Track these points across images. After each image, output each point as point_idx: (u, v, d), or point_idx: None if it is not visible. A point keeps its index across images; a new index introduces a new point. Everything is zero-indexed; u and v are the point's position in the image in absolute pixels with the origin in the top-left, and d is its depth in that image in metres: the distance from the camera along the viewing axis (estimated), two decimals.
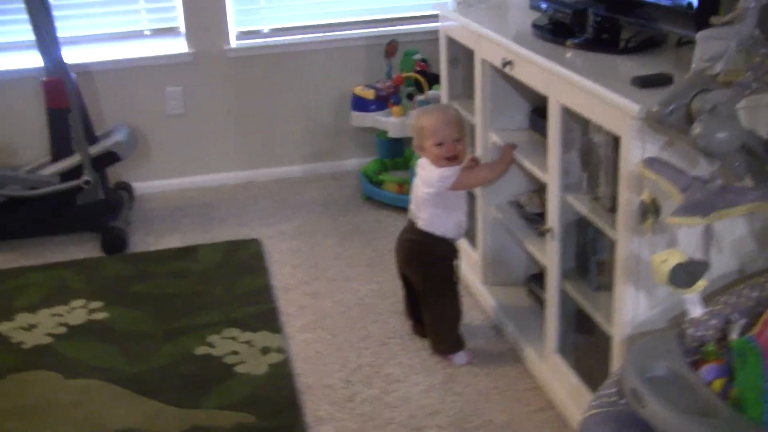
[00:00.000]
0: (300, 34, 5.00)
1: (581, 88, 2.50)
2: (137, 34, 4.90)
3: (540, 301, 3.21)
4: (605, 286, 2.70)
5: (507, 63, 3.04)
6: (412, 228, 3.28)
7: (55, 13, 4.28)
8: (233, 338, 3.47)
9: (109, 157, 4.40)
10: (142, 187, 4.97)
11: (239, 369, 3.27)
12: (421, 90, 4.60)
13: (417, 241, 3.26)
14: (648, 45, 2.78)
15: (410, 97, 4.60)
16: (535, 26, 3.10)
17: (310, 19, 5.02)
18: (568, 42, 2.86)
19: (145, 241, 4.40)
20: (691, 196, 1.88)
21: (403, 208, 3.29)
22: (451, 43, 3.68)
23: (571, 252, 2.92)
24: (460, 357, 3.27)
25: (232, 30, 4.91)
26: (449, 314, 3.30)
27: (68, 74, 4.27)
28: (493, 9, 3.62)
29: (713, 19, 2.05)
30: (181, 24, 4.86)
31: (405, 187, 4.48)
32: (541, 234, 2.99)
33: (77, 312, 3.71)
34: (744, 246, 2.36)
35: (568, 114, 2.70)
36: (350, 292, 3.81)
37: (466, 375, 3.20)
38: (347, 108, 4.81)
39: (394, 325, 3.53)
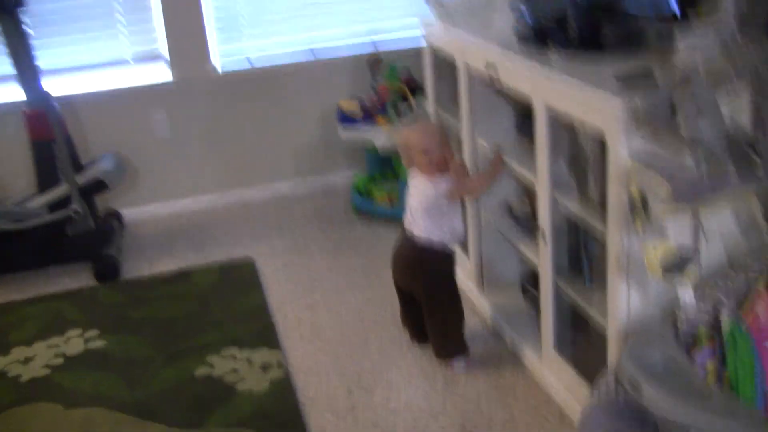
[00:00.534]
0: (283, 51, 5.03)
1: (566, 87, 2.53)
2: (120, 62, 4.91)
3: (535, 301, 3.23)
4: (599, 282, 2.73)
5: (491, 68, 3.06)
6: (407, 239, 3.29)
7: (37, 43, 4.31)
8: (233, 357, 3.48)
9: (97, 186, 4.40)
10: (132, 213, 4.98)
11: (240, 387, 3.29)
12: (406, 101, 4.62)
13: (414, 251, 3.27)
14: (630, 43, 2.78)
15: (396, 108, 4.63)
16: (518, 30, 3.12)
17: (292, 40, 5.06)
18: (551, 44, 2.89)
19: (138, 267, 4.41)
20: (677, 185, 1.91)
21: (394, 220, 3.32)
22: (435, 52, 3.71)
23: (564, 251, 2.95)
24: (459, 365, 3.29)
25: (215, 51, 4.93)
26: (453, 319, 3.32)
27: (51, 105, 4.27)
28: (476, 16, 3.64)
29: (693, 15, 2.08)
30: (164, 50, 4.88)
31: (395, 198, 4.51)
32: (534, 235, 3.01)
33: (74, 342, 3.71)
34: (730, 235, 2.39)
35: (554, 115, 2.73)
36: (345, 304, 3.84)
37: (466, 377, 3.23)
38: (334, 124, 4.84)
39: (392, 333, 3.56)
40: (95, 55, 4.87)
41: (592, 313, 2.71)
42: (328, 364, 3.40)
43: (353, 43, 5.08)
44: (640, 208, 2.09)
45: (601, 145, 2.47)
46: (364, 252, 4.31)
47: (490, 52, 3.06)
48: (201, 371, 3.41)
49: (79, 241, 4.38)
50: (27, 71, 4.23)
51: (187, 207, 5.08)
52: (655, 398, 1.82)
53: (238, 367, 3.41)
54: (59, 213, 4.31)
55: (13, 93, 4.46)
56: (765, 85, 2.01)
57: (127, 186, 4.92)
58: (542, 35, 2.95)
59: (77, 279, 4.32)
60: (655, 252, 1.89)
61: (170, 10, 4.77)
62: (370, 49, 4.96)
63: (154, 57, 4.94)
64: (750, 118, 2.08)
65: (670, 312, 2.18)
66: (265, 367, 3.39)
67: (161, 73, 4.90)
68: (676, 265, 1.88)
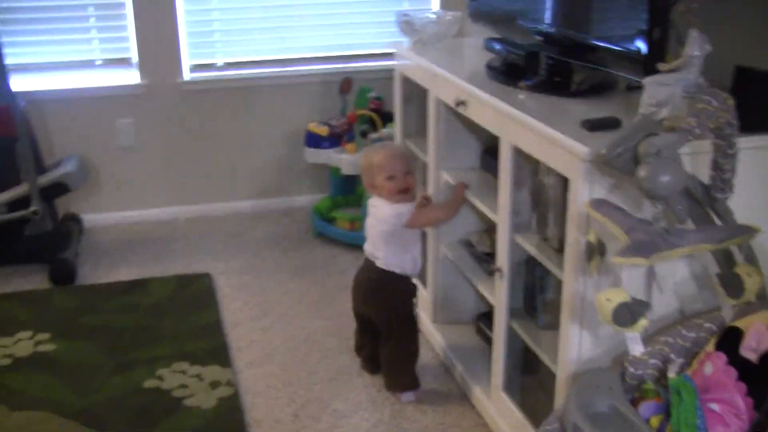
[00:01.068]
0: (255, 68, 5.02)
1: (532, 129, 2.54)
2: (89, 64, 4.87)
3: (488, 340, 3.24)
4: (552, 325, 2.74)
5: (460, 103, 3.07)
6: (370, 266, 3.28)
7: (5, 39, 4.28)
8: (182, 372, 3.46)
9: (59, 188, 4.37)
10: (91, 219, 4.94)
11: (188, 402, 3.26)
12: (374, 128, 4.63)
13: (376, 279, 3.27)
14: (598, 89, 2.83)
15: (364, 134, 4.63)
16: (489, 67, 3.15)
17: (265, 54, 5.04)
18: (521, 83, 2.91)
19: (94, 273, 4.37)
20: (635, 238, 1.92)
21: (354, 246, 3.31)
22: (406, 81, 3.72)
23: (520, 291, 2.95)
24: (408, 394, 3.28)
25: (186, 62, 4.91)
26: (407, 353, 3.32)
27: (16, 102, 4.23)
28: (448, 49, 3.67)
29: (660, 66, 2.10)
30: (133, 55, 4.85)
31: (357, 224, 4.50)
32: (491, 273, 3.02)
33: (23, 344, 3.67)
34: (684, 288, 2.41)
35: (519, 155, 2.74)
36: (300, 328, 3.82)
37: (413, 411, 3.22)
38: (300, 144, 4.84)
39: (343, 361, 3.55)
40: (64, 56, 4.83)
41: (543, 356, 2.71)
42: (277, 388, 3.38)
43: (326, 65, 5.06)
44: (596, 255, 2.10)
45: (564, 189, 2.48)
46: (322, 277, 4.29)
47: (460, 87, 3.06)
48: (149, 383, 3.38)
49: (36, 242, 4.35)
50: None
51: (147, 217, 5.04)
52: None
53: (187, 383, 3.38)
54: (18, 212, 4.26)
55: None
56: (726, 141, 2.03)
57: (88, 191, 4.88)
58: (513, 75, 2.98)
59: (31, 281, 4.28)
60: (608, 303, 1.90)
61: (144, 17, 4.75)
62: (342, 71, 4.96)
63: (124, 62, 4.90)
64: (710, 175, 2.10)
65: (620, 361, 2.19)
66: (214, 385, 3.37)
67: (130, 79, 4.87)
68: (627, 319, 1.89)
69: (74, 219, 4.79)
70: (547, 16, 2.99)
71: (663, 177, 1.84)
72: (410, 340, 3.31)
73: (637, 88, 2.18)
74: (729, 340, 2.01)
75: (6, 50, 4.25)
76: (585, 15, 2.86)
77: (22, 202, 4.28)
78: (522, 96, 2.84)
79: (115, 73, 4.89)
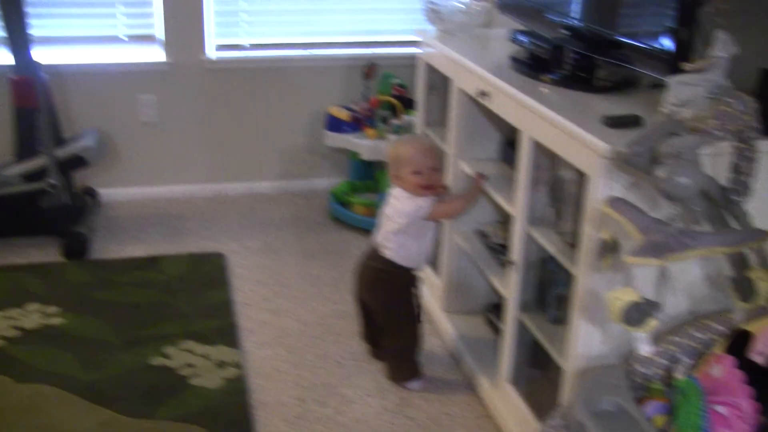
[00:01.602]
0: (280, 50, 5.01)
1: (552, 123, 2.52)
2: (114, 39, 4.86)
3: (497, 331, 3.23)
4: (562, 319, 2.72)
5: (482, 94, 3.06)
6: (375, 255, 3.27)
7: (31, 11, 4.27)
8: (190, 351, 3.46)
9: (76, 162, 4.37)
10: (108, 193, 4.95)
11: (194, 381, 3.26)
12: (396, 114, 4.62)
13: (379, 269, 3.25)
14: (622, 85, 2.81)
15: (385, 120, 4.62)
16: (513, 59, 3.13)
17: (290, 36, 5.03)
18: (544, 77, 2.89)
19: (108, 248, 4.38)
20: (650, 238, 1.90)
21: (369, 231, 3.31)
22: (430, 69, 3.70)
23: (532, 284, 2.94)
24: (414, 383, 3.27)
25: (211, 41, 4.90)
26: (408, 344, 3.31)
27: (38, 74, 4.24)
28: (474, 40, 3.65)
29: (685, 65, 2.08)
30: (159, 32, 4.85)
31: (373, 210, 4.49)
32: (504, 265, 3.00)
33: (32, 316, 3.68)
34: (696, 289, 2.39)
35: (539, 148, 2.72)
36: (311, 311, 3.82)
37: (419, 400, 3.21)
38: (321, 127, 4.82)
39: (352, 346, 3.54)
40: (90, 30, 4.83)
41: (551, 350, 2.70)
42: (284, 371, 3.37)
43: (351, 49, 5.05)
44: (609, 253, 2.09)
45: (582, 185, 2.46)
46: (337, 262, 4.29)
47: (483, 78, 3.04)
48: (156, 361, 3.39)
49: (51, 214, 4.34)
50: (18, 37, 4.19)
51: (164, 194, 5.05)
52: None
53: (194, 362, 3.38)
54: (35, 184, 4.27)
55: (1, 58, 4.42)
56: (746, 145, 2.01)
57: (106, 165, 4.88)
58: (537, 68, 2.96)
59: (44, 253, 4.28)
60: (617, 302, 1.88)
61: None
62: (367, 57, 4.94)
63: (149, 39, 4.90)
64: (728, 178, 2.08)
65: (628, 359, 2.17)
66: (221, 365, 3.37)
67: (154, 56, 4.86)
68: (637, 318, 1.87)
69: (91, 193, 4.80)
70: (575, 10, 2.98)
71: (681, 178, 1.82)
72: (411, 332, 3.29)
73: (661, 86, 2.15)
74: (738, 343, 1.99)
75: (31, 22, 4.24)
76: (612, 11, 2.84)
77: (39, 174, 4.28)
78: (545, 89, 2.82)
79: (140, 49, 4.89)
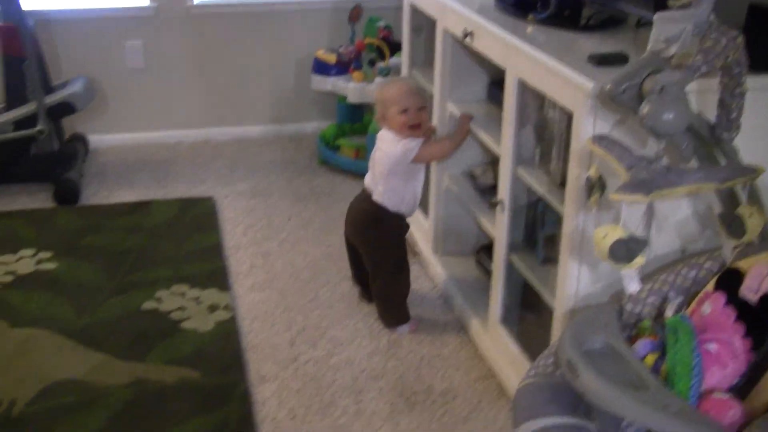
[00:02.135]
0: None
1: (538, 62, 2.52)
2: None
3: (488, 273, 3.24)
4: (551, 260, 2.74)
5: (468, 34, 3.04)
6: (366, 198, 3.28)
7: None
8: (181, 294, 3.47)
9: (65, 108, 4.35)
10: (97, 140, 4.93)
11: (186, 325, 3.28)
12: (382, 57, 4.60)
13: (369, 212, 3.26)
14: (608, 24, 2.80)
15: (372, 63, 4.60)
16: (499, 0, 3.11)
17: None
18: (530, 16, 2.88)
19: (98, 194, 4.38)
20: (636, 175, 1.90)
21: (358, 174, 3.31)
22: (415, 11, 3.68)
23: (521, 225, 2.95)
24: (402, 327, 3.29)
25: None
26: (397, 289, 3.32)
27: (25, 21, 4.20)
28: None
29: (671, 2, 2.07)
30: None
31: (362, 152, 4.49)
32: (492, 206, 3.01)
33: (25, 261, 3.69)
34: (686, 227, 2.40)
35: (525, 88, 2.72)
36: (301, 255, 3.83)
37: (410, 341, 3.23)
38: (309, 71, 4.80)
39: (343, 288, 3.56)
40: None
41: (541, 290, 2.72)
42: (275, 314, 3.39)
43: None
44: (596, 191, 2.09)
45: (568, 124, 2.46)
46: (326, 205, 4.29)
47: (468, 18, 3.03)
48: (148, 305, 3.40)
49: (41, 161, 4.35)
50: None
51: (153, 140, 5.03)
52: (591, 384, 1.82)
53: (185, 305, 3.40)
54: (24, 131, 4.26)
55: None
56: (734, 80, 2.01)
57: (95, 111, 4.86)
58: (523, 7, 2.94)
59: (36, 199, 4.29)
60: (604, 240, 1.89)
61: None
62: (353, 1, 4.91)
63: None
64: (717, 114, 2.08)
65: (618, 298, 2.18)
66: (212, 309, 3.38)
67: (139, 1, 4.83)
68: (623, 255, 1.88)
69: (80, 139, 4.79)
70: None
71: (666, 114, 1.82)
72: (398, 277, 3.31)
73: (648, 24, 2.14)
74: (729, 280, 1.99)
75: None
76: None
77: (28, 121, 4.26)
78: (530, 29, 2.81)
79: None
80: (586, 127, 2.26)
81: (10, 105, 4.30)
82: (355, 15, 4.80)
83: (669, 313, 1.96)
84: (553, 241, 2.72)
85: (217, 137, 5.11)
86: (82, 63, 4.79)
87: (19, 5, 4.20)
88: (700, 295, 2.02)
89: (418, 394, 2.95)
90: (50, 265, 3.66)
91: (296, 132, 5.18)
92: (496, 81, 3.26)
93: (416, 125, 3.15)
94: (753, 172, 1.98)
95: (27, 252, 3.76)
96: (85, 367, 3.05)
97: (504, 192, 2.87)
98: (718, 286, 2.00)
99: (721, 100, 2.06)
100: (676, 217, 2.38)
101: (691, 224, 2.41)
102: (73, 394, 2.91)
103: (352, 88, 4.53)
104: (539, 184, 2.70)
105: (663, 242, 2.38)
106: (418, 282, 3.53)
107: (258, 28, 4.97)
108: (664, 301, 2.08)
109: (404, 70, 3.87)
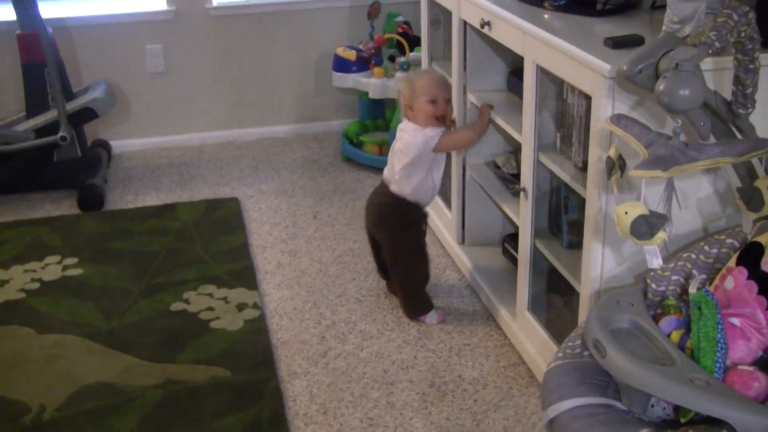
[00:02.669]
0: None
1: (555, 48, 2.52)
2: None
3: (514, 261, 3.24)
4: (576, 244, 2.74)
5: (485, 23, 3.05)
6: (383, 190, 3.30)
7: None
8: (209, 295, 3.49)
9: (87, 114, 4.37)
10: (121, 145, 4.97)
11: (215, 325, 3.30)
12: (402, 52, 4.61)
13: (387, 204, 3.28)
14: (624, 8, 2.80)
15: (392, 59, 4.61)
16: None
17: None
18: (546, 3, 2.88)
19: (123, 199, 4.41)
20: (655, 151, 1.90)
21: (382, 170, 3.33)
22: (433, 4, 3.69)
23: (545, 211, 2.95)
24: (431, 317, 3.30)
25: None
26: (416, 278, 3.33)
27: (44, 28, 4.22)
28: None
29: None
30: None
31: (385, 148, 4.50)
32: (516, 194, 3.01)
33: (51, 268, 3.71)
34: (708, 205, 2.41)
35: (544, 74, 2.72)
36: (328, 251, 3.84)
37: (439, 332, 3.24)
38: (329, 69, 4.81)
39: (371, 283, 3.57)
40: None
41: (567, 275, 2.72)
42: (304, 310, 3.41)
43: None
44: (617, 171, 2.09)
45: (588, 108, 2.46)
46: (351, 201, 4.31)
47: (485, 7, 3.03)
48: (176, 306, 3.42)
49: (64, 168, 4.38)
50: None
51: (176, 143, 5.06)
52: (618, 362, 1.83)
53: (213, 305, 3.42)
54: (46, 138, 4.28)
55: (8, 13, 4.42)
56: (747, 57, 2.01)
57: (117, 117, 4.90)
58: None
59: (60, 206, 4.32)
60: (626, 216, 1.89)
61: None
62: None
63: None
64: (732, 91, 2.08)
65: (643, 279, 2.19)
66: (241, 307, 3.40)
67: (158, 5, 4.85)
68: (645, 231, 1.88)
69: (103, 145, 4.82)
70: None
71: (682, 90, 1.82)
72: (418, 267, 3.32)
73: (663, 6, 2.15)
74: (750, 255, 2.00)
75: None
76: None
77: (50, 128, 4.28)
78: (547, 16, 2.81)
79: None
80: (605, 109, 2.27)
81: (32, 112, 4.34)
82: (373, 11, 4.81)
83: (692, 290, 1.96)
84: (577, 226, 2.72)
85: (241, 138, 5.13)
86: (102, 68, 4.82)
87: (38, 12, 4.23)
88: (723, 270, 2.02)
89: (449, 383, 2.96)
90: (76, 271, 3.69)
91: (319, 130, 5.20)
92: (515, 70, 3.27)
93: (442, 117, 3.17)
94: None
95: (53, 259, 3.79)
96: (115, 370, 3.07)
97: (527, 179, 2.88)
98: (740, 261, 2.00)
99: (736, 76, 2.06)
100: (697, 195, 2.39)
101: (712, 203, 2.41)
102: (104, 398, 2.94)
103: (373, 84, 4.54)
104: (561, 170, 2.70)
105: (685, 222, 2.38)
106: (444, 274, 3.54)
107: (277, 28, 4.99)
108: (688, 278, 2.09)
109: (424, 64, 3.88)
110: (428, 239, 3.40)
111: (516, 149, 3.27)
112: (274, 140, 5.12)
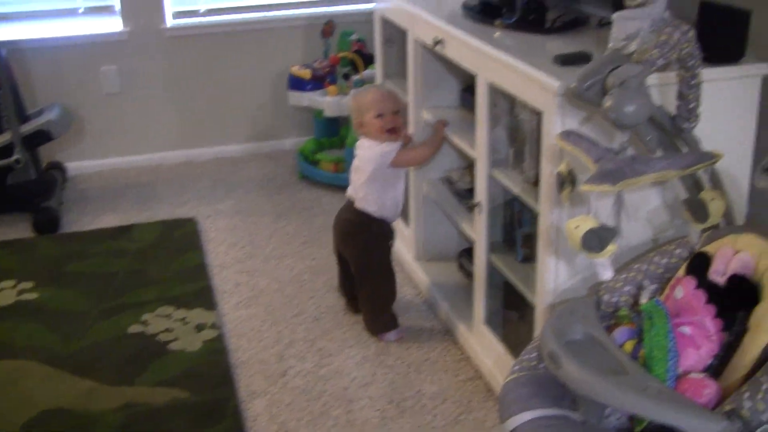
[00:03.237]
0: (237, 13, 5.01)
1: (506, 66, 2.57)
2: (71, 12, 4.87)
3: (470, 276, 3.27)
4: (530, 258, 2.78)
5: (438, 42, 3.08)
6: (349, 207, 3.32)
7: None
8: (168, 316, 3.49)
9: (41, 136, 4.34)
10: (76, 167, 4.95)
11: (173, 346, 3.30)
12: (357, 70, 4.64)
13: (353, 221, 3.31)
14: (572, 26, 2.86)
15: (346, 77, 4.64)
16: (466, 7, 3.16)
17: (247, 7, 5.04)
18: (497, 22, 2.93)
19: (79, 221, 4.39)
20: (603, 166, 1.95)
21: (338, 187, 3.34)
22: (386, 23, 3.72)
23: (499, 226, 2.99)
24: (390, 334, 3.32)
25: (168, 9, 4.90)
26: (383, 295, 3.36)
27: None
28: None
29: (628, 1, 2.13)
30: (116, 2, 4.84)
31: (341, 165, 4.52)
32: (470, 209, 3.05)
33: (6, 293, 3.68)
34: (657, 216, 2.46)
35: (496, 91, 2.76)
36: (286, 269, 3.85)
37: (397, 348, 3.26)
38: (285, 88, 4.83)
39: (329, 300, 3.58)
40: (47, 4, 4.83)
41: (522, 288, 2.75)
42: (262, 329, 3.41)
43: (308, 9, 5.06)
44: (567, 185, 2.14)
45: (539, 123, 2.50)
46: (307, 219, 4.32)
47: (437, 26, 3.07)
48: (135, 328, 3.41)
49: (19, 191, 4.34)
50: None
51: (132, 164, 5.06)
52: (573, 373, 1.86)
53: (172, 326, 3.42)
54: (0, 161, 4.25)
55: None
56: (689, 73, 2.06)
57: (73, 138, 4.89)
58: (489, 14, 2.99)
59: (15, 229, 4.29)
60: (576, 230, 1.93)
61: None
62: (324, 15, 4.95)
63: (106, 9, 4.89)
64: (676, 106, 2.13)
65: (595, 290, 2.22)
66: (199, 328, 3.40)
67: (113, 26, 4.85)
68: (596, 244, 1.92)
69: (58, 167, 4.80)
70: None
71: (628, 106, 1.87)
72: (385, 284, 3.35)
73: (609, 24, 2.21)
74: (698, 264, 2.04)
75: None
76: None
77: (4, 151, 4.26)
78: (498, 34, 2.85)
79: (98, 20, 4.88)
80: (556, 125, 2.31)
81: None
82: (328, 30, 4.84)
83: (644, 300, 2.01)
84: (531, 240, 2.76)
85: (197, 158, 5.13)
86: (57, 90, 4.81)
87: None
88: (672, 281, 2.06)
89: (408, 399, 2.98)
90: (33, 295, 3.67)
91: (275, 148, 5.22)
92: (468, 87, 3.31)
93: (393, 129, 3.20)
94: (713, 157, 2.04)
95: (8, 283, 3.75)
96: (74, 394, 3.05)
97: (481, 194, 2.91)
98: (689, 271, 2.04)
99: (679, 91, 2.12)
100: (647, 207, 2.44)
101: (661, 214, 2.46)
102: (63, 423, 2.92)
103: (328, 102, 4.57)
104: (514, 184, 2.74)
105: (635, 233, 2.43)
106: (402, 290, 3.55)
107: (232, 47, 5.00)
108: (639, 289, 2.13)
109: (378, 82, 3.91)
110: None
111: (470, 165, 3.31)
112: (230, 159, 5.13)
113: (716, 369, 1.91)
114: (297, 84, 4.71)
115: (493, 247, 2.97)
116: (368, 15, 4.25)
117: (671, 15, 2.05)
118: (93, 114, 4.94)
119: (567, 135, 2.12)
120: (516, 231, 2.89)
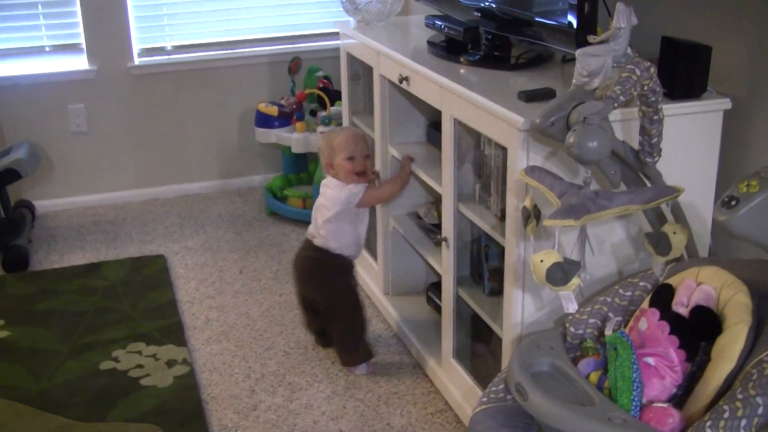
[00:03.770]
0: (203, 51, 5.05)
1: (471, 102, 2.62)
2: (37, 51, 4.87)
3: (438, 309, 3.31)
4: (497, 291, 2.82)
5: (404, 79, 3.14)
6: (309, 245, 3.36)
7: None
8: (138, 352, 3.50)
9: (9, 175, 4.34)
10: (44, 205, 4.96)
11: (145, 382, 3.31)
12: (323, 106, 4.68)
13: (313, 258, 3.34)
14: (537, 62, 2.92)
15: (313, 113, 4.68)
16: (431, 44, 3.21)
17: (213, 36, 5.07)
18: (462, 59, 2.98)
19: (48, 259, 4.40)
20: (567, 201, 2.00)
21: (306, 223, 3.39)
22: (352, 60, 3.77)
23: (466, 260, 3.03)
24: (361, 367, 3.35)
25: (135, 47, 4.93)
26: (355, 326, 3.38)
27: None
28: (392, 27, 3.73)
29: (590, 38, 2.18)
30: (82, 40, 4.86)
31: (309, 202, 4.56)
32: (438, 243, 3.09)
33: None
34: (621, 249, 2.51)
35: (461, 127, 2.81)
36: (255, 305, 3.88)
37: (367, 382, 3.29)
38: (252, 125, 4.87)
39: (299, 335, 3.61)
40: (12, 43, 4.83)
41: (489, 321, 2.79)
42: (233, 364, 3.43)
43: (274, 46, 5.10)
44: (532, 220, 2.18)
45: (504, 159, 2.55)
46: (276, 254, 4.35)
47: (403, 63, 3.12)
48: (106, 365, 3.42)
49: None
50: None
51: (101, 202, 5.06)
52: (539, 404, 1.90)
53: (143, 363, 3.43)
54: None
55: None
56: (651, 108, 2.12)
57: (41, 177, 4.89)
58: (454, 50, 3.04)
59: None
60: (541, 264, 1.97)
61: (92, 2, 4.75)
62: (290, 52, 5.00)
63: (73, 48, 4.90)
64: (639, 141, 2.19)
65: (561, 323, 2.27)
66: (170, 364, 3.41)
67: (79, 65, 4.87)
68: (560, 277, 1.96)
69: (26, 206, 4.79)
70: None
71: (590, 143, 1.92)
72: (355, 316, 3.37)
73: (572, 60, 2.26)
74: (662, 296, 2.09)
75: None
76: None
77: None
78: (463, 71, 2.91)
79: (65, 59, 4.89)
80: (521, 160, 2.36)
81: None
82: (294, 67, 4.89)
83: (608, 331, 2.05)
84: (498, 273, 2.80)
85: (165, 195, 5.15)
86: (25, 129, 4.82)
87: None
88: (637, 312, 2.10)
89: None
90: (3, 333, 3.66)
91: (243, 185, 5.25)
92: (434, 123, 3.36)
93: (362, 172, 3.24)
94: (674, 191, 2.09)
95: None
96: (47, 431, 3.06)
97: (448, 229, 2.96)
98: (652, 303, 2.09)
99: (642, 126, 2.18)
100: (611, 240, 2.49)
101: (625, 247, 2.51)
102: None
103: (295, 138, 4.60)
104: (481, 219, 2.78)
105: (600, 266, 2.48)
106: (371, 324, 3.58)
107: (199, 85, 5.04)
108: (604, 321, 2.17)
109: (345, 118, 3.96)
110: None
111: (437, 200, 3.36)
112: (198, 196, 5.15)
113: (680, 398, 1.95)
114: (264, 121, 4.74)
115: (460, 281, 3.01)
116: (334, 51, 4.31)
117: (634, 51, 2.11)
118: (61, 152, 4.95)
119: (531, 170, 2.17)
120: (483, 265, 2.94)
